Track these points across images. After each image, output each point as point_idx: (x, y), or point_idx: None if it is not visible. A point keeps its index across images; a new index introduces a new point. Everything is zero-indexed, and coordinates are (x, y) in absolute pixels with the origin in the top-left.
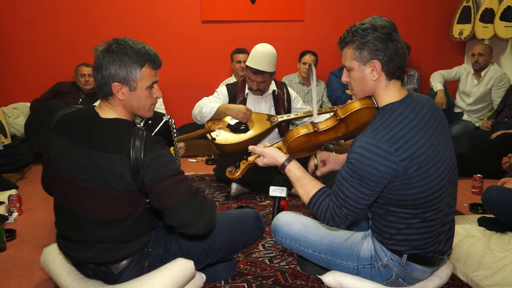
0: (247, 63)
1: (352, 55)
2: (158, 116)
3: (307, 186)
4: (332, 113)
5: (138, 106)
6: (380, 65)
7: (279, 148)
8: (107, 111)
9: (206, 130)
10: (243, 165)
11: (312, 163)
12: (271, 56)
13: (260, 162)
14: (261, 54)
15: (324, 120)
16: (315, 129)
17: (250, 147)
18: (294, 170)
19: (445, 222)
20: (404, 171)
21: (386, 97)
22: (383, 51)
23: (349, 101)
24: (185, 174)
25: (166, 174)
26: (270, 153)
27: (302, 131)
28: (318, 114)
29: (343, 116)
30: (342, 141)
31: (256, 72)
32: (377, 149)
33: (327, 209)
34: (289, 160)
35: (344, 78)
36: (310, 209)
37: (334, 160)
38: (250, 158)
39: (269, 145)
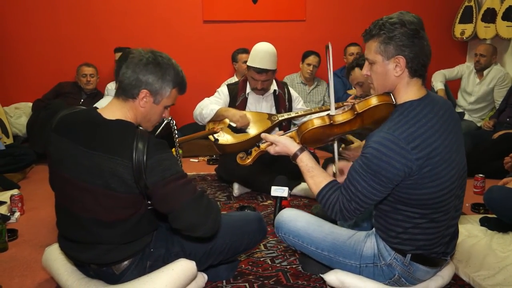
0: (248, 63)
1: (377, 48)
2: None
3: (318, 178)
4: (349, 107)
5: (149, 118)
6: (404, 61)
7: (292, 138)
8: (113, 110)
9: (209, 132)
10: (254, 152)
11: (330, 171)
12: (272, 54)
13: (272, 150)
14: (262, 53)
15: (341, 113)
16: (331, 121)
17: (263, 135)
18: (306, 160)
19: (450, 225)
20: (418, 170)
21: (406, 95)
22: (409, 47)
23: (351, 97)
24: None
25: (170, 178)
26: (283, 141)
27: (318, 123)
28: (324, 109)
29: (360, 111)
30: (351, 146)
31: (260, 71)
32: (394, 145)
33: (336, 202)
34: (301, 150)
35: (365, 71)
36: (319, 201)
37: None
38: (262, 146)
39: (282, 133)
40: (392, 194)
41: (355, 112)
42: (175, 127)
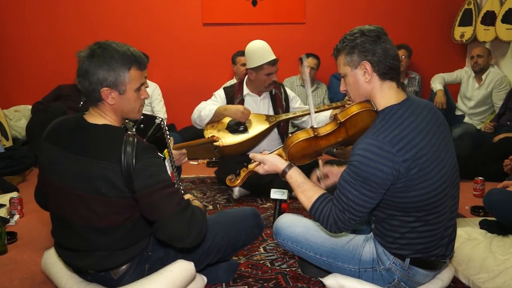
0: (259, 63)
1: (344, 60)
2: (149, 120)
3: (309, 192)
4: (332, 118)
5: (128, 109)
6: (370, 66)
7: (280, 155)
8: (96, 118)
9: (208, 140)
10: (243, 173)
11: (315, 177)
12: (269, 46)
13: (261, 169)
14: (265, 47)
15: (324, 125)
16: (315, 133)
17: (251, 155)
18: (295, 176)
19: (448, 226)
20: (406, 172)
21: (383, 99)
22: (371, 51)
23: (348, 103)
24: (184, 176)
25: (157, 186)
26: (270, 160)
27: (302, 136)
28: (316, 111)
29: (343, 120)
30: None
31: (274, 62)
32: (379, 150)
33: (329, 214)
34: (289, 166)
35: (342, 87)
36: (312, 215)
37: (337, 173)
38: (251, 166)
39: (268, 152)
40: (385, 200)
41: (338, 122)
42: (166, 128)
